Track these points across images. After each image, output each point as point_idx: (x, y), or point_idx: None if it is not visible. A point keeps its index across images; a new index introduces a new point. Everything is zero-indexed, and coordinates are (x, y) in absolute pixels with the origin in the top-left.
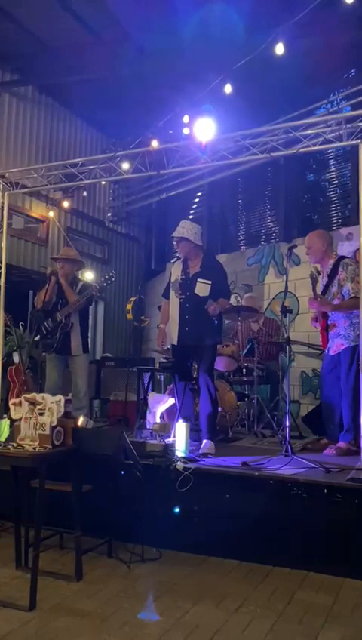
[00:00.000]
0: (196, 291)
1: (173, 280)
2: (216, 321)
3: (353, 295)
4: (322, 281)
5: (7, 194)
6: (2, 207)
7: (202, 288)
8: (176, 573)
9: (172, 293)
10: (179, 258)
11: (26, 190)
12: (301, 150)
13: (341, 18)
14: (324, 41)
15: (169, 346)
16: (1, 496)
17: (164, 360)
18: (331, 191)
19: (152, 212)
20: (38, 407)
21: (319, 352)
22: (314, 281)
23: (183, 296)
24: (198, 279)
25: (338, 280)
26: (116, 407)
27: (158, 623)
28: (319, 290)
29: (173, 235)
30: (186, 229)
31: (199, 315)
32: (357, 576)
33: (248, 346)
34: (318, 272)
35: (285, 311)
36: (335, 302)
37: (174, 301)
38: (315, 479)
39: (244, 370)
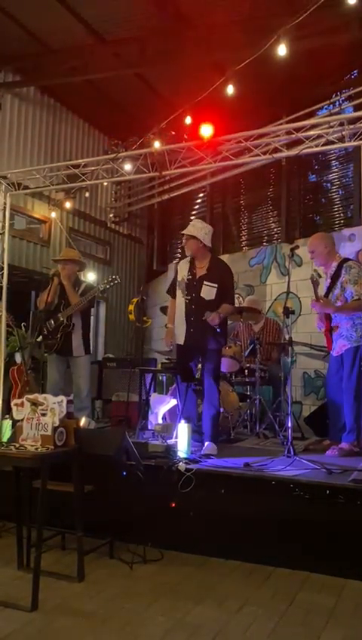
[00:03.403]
0: (202, 294)
1: (179, 279)
2: (221, 325)
3: (356, 297)
4: (325, 283)
5: (9, 194)
6: (4, 207)
7: (208, 291)
8: (177, 573)
9: (178, 292)
10: (181, 258)
11: (28, 191)
12: (303, 151)
13: (343, 19)
14: (326, 42)
15: (172, 347)
16: (3, 496)
17: (166, 361)
18: (333, 192)
19: (154, 213)
20: (40, 407)
21: (322, 353)
22: (316, 284)
23: (189, 298)
24: (205, 282)
25: (341, 282)
26: (118, 408)
27: (160, 623)
28: (322, 292)
29: (183, 232)
30: (197, 228)
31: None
32: (359, 577)
33: (250, 347)
34: (319, 275)
35: (287, 312)
36: (338, 304)
37: (180, 301)
38: (317, 480)
39: (246, 371)
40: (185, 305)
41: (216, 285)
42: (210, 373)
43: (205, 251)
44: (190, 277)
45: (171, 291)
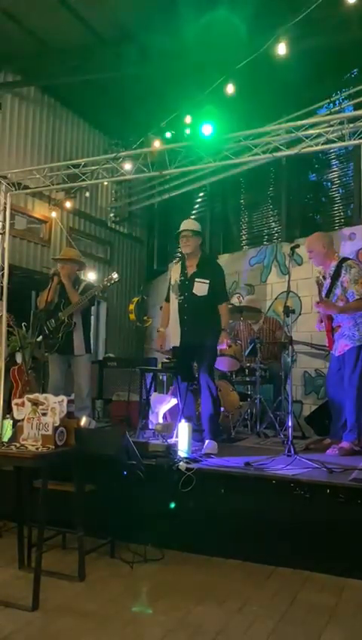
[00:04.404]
0: (194, 291)
1: (172, 283)
2: (215, 322)
3: (358, 297)
4: (325, 283)
5: (9, 194)
6: (5, 207)
7: (200, 288)
8: (178, 573)
9: (172, 295)
10: (180, 259)
11: (28, 191)
12: (303, 150)
13: (343, 17)
14: (326, 41)
15: (168, 349)
16: (4, 496)
17: (167, 360)
18: (333, 191)
19: (155, 212)
20: (41, 407)
21: (322, 352)
22: (320, 286)
23: (182, 297)
24: (196, 279)
25: (342, 282)
26: (119, 408)
27: (161, 623)
28: (323, 293)
29: (188, 228)
30: (197, 226)
31: (198, 315)
32: (360, 576)
33: (250, 346)
34: (324, 277)
35: (288, 311)
36: (340, 304)
37: (174, 303)
38: (318, 479)
39: (247, 370)
40: (178, 305)
41: (208, 281)
42: (205, 371)
43: (198, 250)
44: (182, 278)
45: (167, 296)
